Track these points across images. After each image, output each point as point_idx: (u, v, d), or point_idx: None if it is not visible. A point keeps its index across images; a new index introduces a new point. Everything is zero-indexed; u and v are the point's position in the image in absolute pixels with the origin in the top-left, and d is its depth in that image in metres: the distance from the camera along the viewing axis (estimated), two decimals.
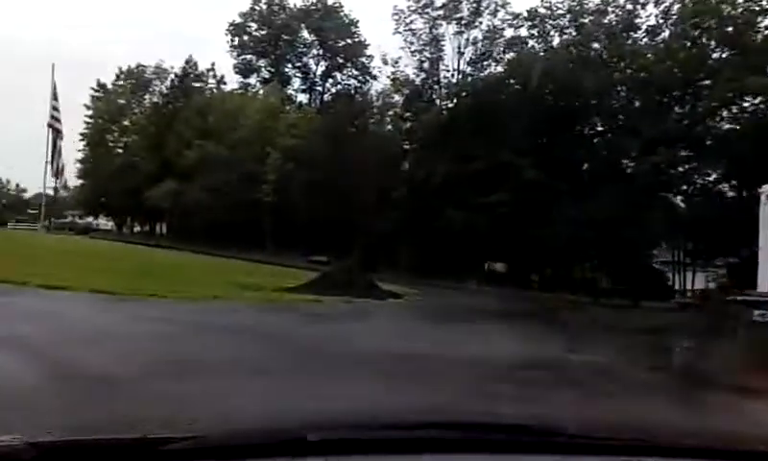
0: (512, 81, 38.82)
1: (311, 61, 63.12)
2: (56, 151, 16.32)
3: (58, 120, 15.99)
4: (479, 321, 17.14)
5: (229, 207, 46.39)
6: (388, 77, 45.08)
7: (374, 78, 56.77)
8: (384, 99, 50.34)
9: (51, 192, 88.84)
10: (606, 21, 37.04)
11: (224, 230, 48.97)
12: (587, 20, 37.32)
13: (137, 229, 64.52)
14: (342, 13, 60.72)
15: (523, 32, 40.59)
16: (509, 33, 41.36)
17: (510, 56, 40.24)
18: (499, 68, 41.46)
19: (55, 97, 16.23)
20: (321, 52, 62.49)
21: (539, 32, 39.83)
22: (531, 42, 40.24)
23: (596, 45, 36.70)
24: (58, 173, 16.39)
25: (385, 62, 43.82)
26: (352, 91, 57.35)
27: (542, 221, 33.43)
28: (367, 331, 12.99)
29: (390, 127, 49.39)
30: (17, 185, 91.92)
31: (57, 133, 16.23)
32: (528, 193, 33.90)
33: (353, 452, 1.45)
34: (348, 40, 61.50)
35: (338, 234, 41.79)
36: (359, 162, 41.23)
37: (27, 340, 8.34)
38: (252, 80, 61.74)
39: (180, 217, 52.30)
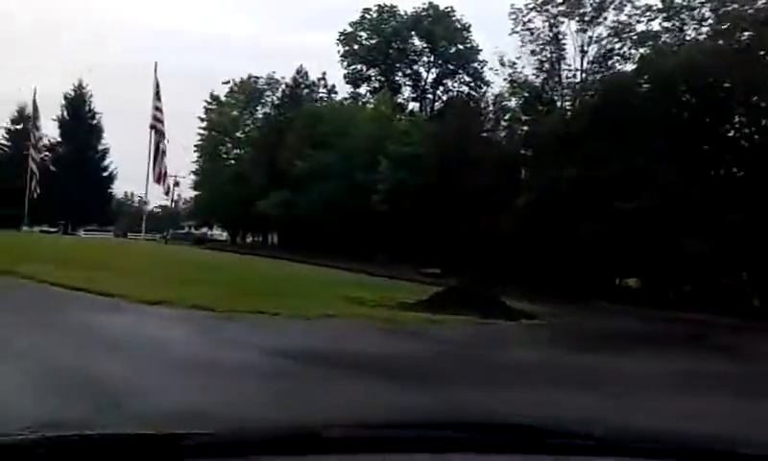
0: (644, 78, 35.29)
1: (422, 69, 61.63)
2: (158, 154, 15.21)
3: (160, 121, 14.83)
4: (650, 350, 14.38)
5: (340, 217, 45.36)
6: (504, 80, 42.44)
7: (487, 84, 54.34)
8: (499, 104, 47.91)
9: (168, 203, 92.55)
10: (753, 10, 32.95)
11: (334, 241, 48.02)
12: (730, 8, 33.33)
13: (249, 239, 64.97)
14: (453, 18, 58.73)
15: (655, 25, 37.00)
16: (638, 28, 37.91)
17: (642, 51, 36.72)
18: (629, 66, 38.01)
19: (158, 97, 15.05)
20: (431, 59, 60.82)
21: (673, 25, 36.15)
22: (664, 37, 36.58)
23: (743, 36, 32.63)
24: (161, 177, 15.30)
25: (502, 64, 41.18)
26: (465, 98, 55.06)
27: (681, 232, 29.86)
28: (533, 368, 10.27)
29: (504, 133, 46.90)
30: (140, 198, 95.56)
31: (160, 136, 15.10)
32: (664, 201, 30.35)
33: (367, 450, 1.43)
34: (460, 46, 59.49)
35: (451, 246, 39.72)
36: (474, 170, 39.00)
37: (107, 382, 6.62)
38: (363, 89, 60.93)
39: (290, 227, 51.78)
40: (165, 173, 16.25)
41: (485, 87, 54.77)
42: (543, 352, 12.39)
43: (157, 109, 15.78)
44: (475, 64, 58.51)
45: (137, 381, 6.90)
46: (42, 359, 7.61)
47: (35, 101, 23.53)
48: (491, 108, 48.49)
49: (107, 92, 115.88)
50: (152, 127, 15.85)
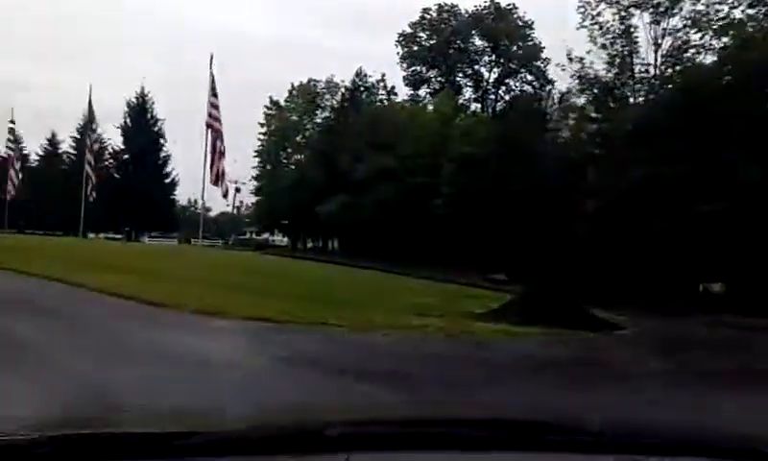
0: (727, 70, 32.89)
1: (483, 69, 60.01)
2: (216, 154, 14.19)
3: (217, 119, 13.81)
4: None
5: (401, 221, 44.17)
6: (572, 76, 40.43)
7: (551, 82, 52.28)
8: (565, 101, 45.96)
9: (229, 209, 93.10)
10: None
11: (394, 245, 46.81)
12: None
13: (310, 244, 64.42)
14: (515, 16, 56.92)
15: (737, 13, 34.49)
16: (718, 17, 35.43)
17: (725, 41, 34.27)
18: (708, 58, 35.60)
19: (213, 93, 14.04)
20: (493, 58, 59.14)
21: (758, 12, 33.60)
22: (749, 26, 34.03)
23: None
24: (218, 178, 14.28)
25: (570, 59, 39.19)
26: (529, 96, 53.17)
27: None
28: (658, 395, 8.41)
29: (569, 132, 44.94)
30: (202, 206, 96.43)
31: (216, 134, 14.08)
32: (753, 199, 28.08)
33: (371, 448, 1.43)
34: (523, 44, 57.65)
35: (517, 250, 38.02)
36: (539, 171, 37.27)
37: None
38: (422, 91, 59.65)
39: (351, 232, 50.88)
40: (223, 174, 15.24)
41: (549, 86, 52.81)
42: (668, 373, 10.42)
43: (213, 105, 14.76)
44: (538, 63, 56.69)
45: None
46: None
47: (90, 102, 23.05)
48: (555, 106, 46.66)
49: (170, 99, 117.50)
50: (208, 125, 14.86)
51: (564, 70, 41.02)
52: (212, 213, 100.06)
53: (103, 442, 1.33)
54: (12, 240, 35.44)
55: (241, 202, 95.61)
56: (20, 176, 29.09)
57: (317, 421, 1.61)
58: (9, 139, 29.56)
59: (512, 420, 1.80)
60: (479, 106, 58.86)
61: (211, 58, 14.67)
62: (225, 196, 15.71)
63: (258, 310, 12.24)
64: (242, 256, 33.72)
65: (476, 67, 59.68)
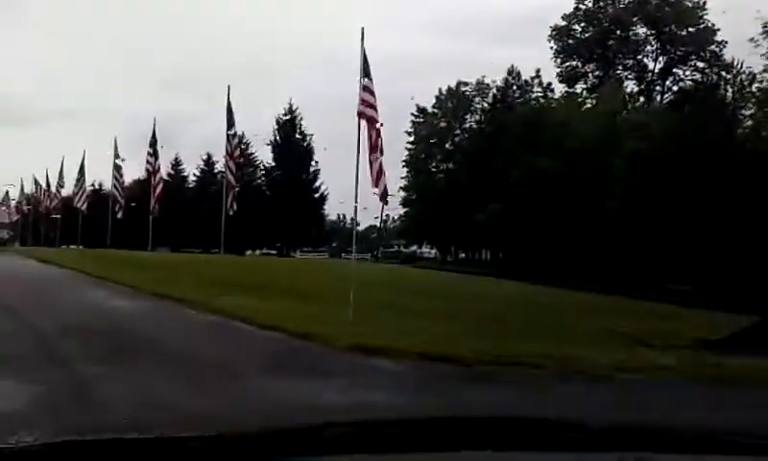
0: None
1: (646, 59, 54.32)
2: (372, 149, 11.36)
3: (371, 106, 11.01)
4: None
5: (562, 227, 39.98)
6: (762, 55, 34.54)
7: (728, 67, 45.79)
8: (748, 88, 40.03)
9: (378, 223, 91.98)
10: None
11: (555, 255, 42.59)
12: None
13: (461, 256, 61.33)
14: None
15: None
16: None
17: None
18: None
19: (366, 73, 11.15)
20: (658, 46, 53.33)
21: None
22: None
23: None
24: (378, 178, 11.59)
25: None
26: (707, 84, 46.98)
27: None
28: None
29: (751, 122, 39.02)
30: (351, 219, 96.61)
31: (371, 126, 11.23)
32: None
33: (370, 450, 1.42)
34: (692, 29, 51.46)
35: (703, 258, 32.93)
36: (727, 169, 32.03)
37: None
38: (579, 88, 54.85)
39: (506, 242, 47.20)
40: (382, 172, 12.33)
41: (727, 72, 46.35)
42: None
43: (366, 89, 11.93)
44: (712, 47, 50.37)
45: None
46: None
47: (229, 103, 21.33)
48: (743, 91, 40.59)
49: (319, 117, 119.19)
50: (360, 115, 12.04)
51: (757, 46, 35.17)
52: (360, 227, 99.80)
53: (105, 448, 1.29)
54: (167, 259, 35.09)
55: (387, 215, 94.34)
56: (157, 195, 28.47)
57: (314, 422, 1.58)
58: (148, 161, 28.87)
59: (512, 417, 1.79)
60: (643, 99, 53.27)
61: (362, 33, 11.79)
62: (383, 199, 12.75)
63: (436, 344, 9.18)
64: (398, 271, 30.90)
65: (639, 58, 54.17)
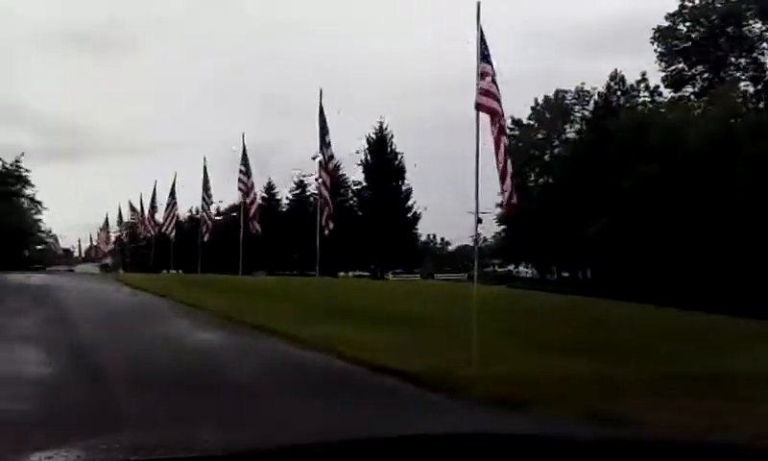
0: None
1: (763, 56, 49.55)
2: (499, 145, 9.31)
3: (492, 95, 8.78)
4: None
5: (678, 241, 36.24)
6: None
7: None
8: None
9: (470, 242, 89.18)
10: None
11: (668, 274, 38.67)
12: None
13: (562, 275, 57.71)
14: None
15: None
16: None
17: None
18: None
19: (484, 56, 8.98)
20: None
21: None
22: None
23: None
24: (503, 180, 9.54)
25: None
26: None
27: None
28: None
29: None
30: (442, 239, 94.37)
31: (493, 120, 9.08)
32: None
33: None
34: None
35: None
36: None
37: None
38: (686, 91, 50.57)
39: (615, 258, 43.54)
40: (507, 173, 10.05)
41: None
42: None
43: (485, 76, 9.64)
44: None
45: None
46: None
47: (321, 109, 19.54)
48: None
49: (409, 136, 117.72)
50: (479, 107, 9.77)
51: None
52: (451, 247, 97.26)
53: None
54: (263, 283, 33.75)
55: (478, 234, 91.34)
56: (254, 213, 27.06)
57: (308, 441, 1.59)
58: (240, 179, 27.39)
59: (508, 434, 1.79)
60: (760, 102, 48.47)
61: (478, 7, 9.57)
62: (509, 205, 10.62)
63: (606, 396, 6.73)
64: (505, 294, 27.96)
65: (754, 55, 49.48)
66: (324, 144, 19.73)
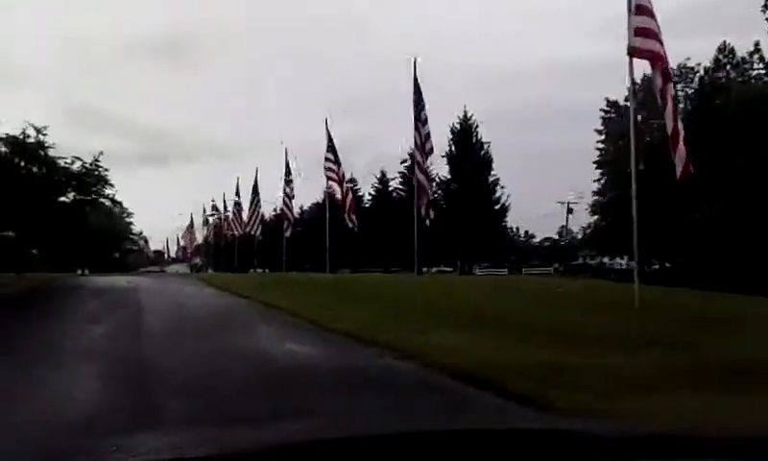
0: None
1: None
2: (663, 98, 7.10)
3: (654, 37, 6.43)
4: None
5: None
6: None
7: None
8: None
9: (554, 236, 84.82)
10: None
11: None
12: None
13: (662, 266, 53.34)
14: None
15: None
16: None
17: None
18: None
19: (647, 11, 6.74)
20: None
21: None
22: None
23: None
24: (674, 143, 7.38)
25: None
26: None
27: None
28: None
29: None
30: (526, 232, 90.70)
31: (656, 65, 6.83)
32: None
33: None
34: None
35: None
36: None
37: None
38: None
39: (721, 245, 39.38)
40: (678, 134, 7.49)
41: None
42: None
43: (642, 12, 7.08)
44: None
45: None
46: None
47: (415, 79, 17.15)
48: None
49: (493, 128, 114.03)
50: (633, 52, 7.21)
51: None
52: (535, 240, 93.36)
53: None
54: (348, 281, 31.91)
55: (562, 227, 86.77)
56: (350, 204, 24.88)
57: (308, 437, 1.55)
58: (330, 168, 25.22)
59: (527, 429, 1.73)
60: None
61: None
62: (686, 171, 7.78)
63: None
64: (619, 289, 24.64)
65: None
66: (420, 121, 17.37)
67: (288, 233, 33.03)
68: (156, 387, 7.42)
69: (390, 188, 65.44)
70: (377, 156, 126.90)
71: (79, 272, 60.41)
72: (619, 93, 48.04)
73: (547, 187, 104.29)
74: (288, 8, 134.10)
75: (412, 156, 43.89)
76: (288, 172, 32.96)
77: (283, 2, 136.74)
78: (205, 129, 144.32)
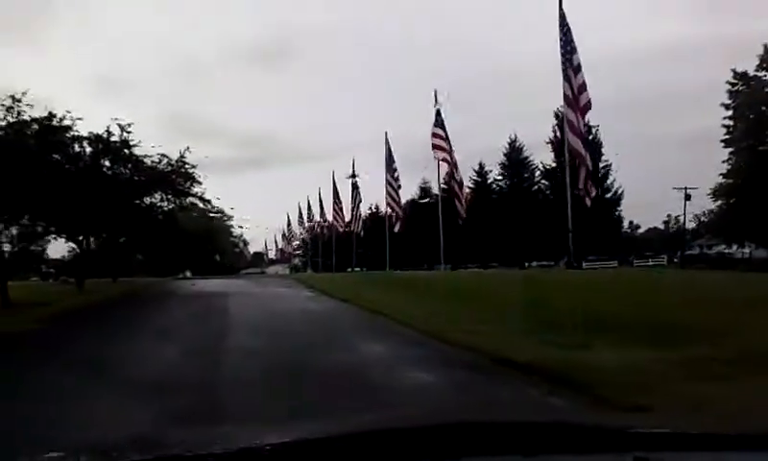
0: None
1: None
2: None
3: None
4: None
5: None
6: None
7: None
8: None
9: (670, 224, 78.13)
10: None
11: None
12: None
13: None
14: None
15: None
16: None
17: None
18: None
19: None
20: None
21: None
22: None
23: None
24: None
25: None
26: None
27: None
28: None
29: None
30: (630, 223, 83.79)
31: None
32: None
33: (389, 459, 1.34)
34: None
35: None
36: None
37: None
38: None
39: None
40: None
41: None
42: None
43: None
44: None
45: None
46: None
47: (562, 13, 13.83)
48: None
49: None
50: None
51: None
52: (640, 230, 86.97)
53: None
54: (455, 279, 28.89)
55: (668, 215, 79.95)
56: (466, 197, 21.89)
57: (322, 433, 1.50)
58: (436, 146, 22.23)
59: (530, 422, 1.68)
60: None
61: None
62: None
63: None
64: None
65: None
66: (572, 66, 14.01)
67: (398, 228, 30.23)
68: None
69: (489, 181, 61.98)
70: (471, 151, 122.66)
71: (180, 276, 60.24)
72: (748, 64, 42.46)
73: (648, 174, 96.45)
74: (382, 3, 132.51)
75: (560, 116, 38.63)
76: (390, 158, 30.14)
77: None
78: (301, 131, 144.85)
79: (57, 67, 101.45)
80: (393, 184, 30.28)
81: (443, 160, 23.13)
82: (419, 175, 69.64)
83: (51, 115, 21.58)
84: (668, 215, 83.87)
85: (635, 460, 1.33)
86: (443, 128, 22.67)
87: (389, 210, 31.55)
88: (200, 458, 1.31)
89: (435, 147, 22.69)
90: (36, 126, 21.22)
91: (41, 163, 20.78)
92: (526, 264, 54.33)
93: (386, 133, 31.38)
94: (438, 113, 22.72)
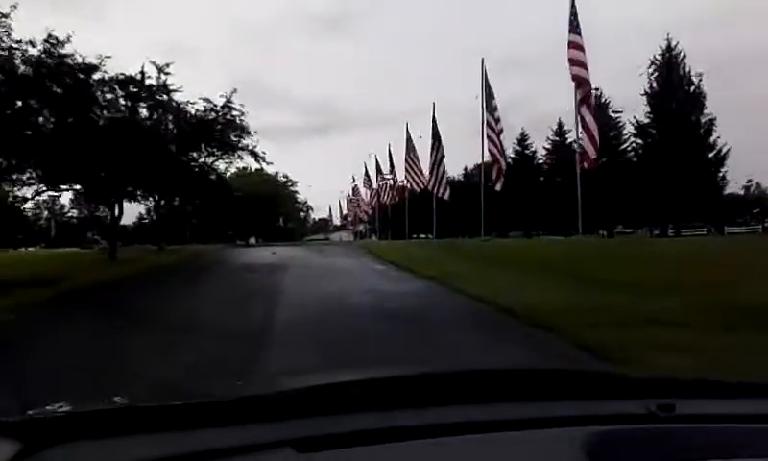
0: None
1: None
2: None
3: None
4: None
5: None
6: None
7: None
8: None
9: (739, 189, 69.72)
10: None
11: None
12: None
13: None
14: None
15: None
16: None
17: None
18: None
19: None
20: None
21: None
22: None
23: None
24: None
25: None
26: None
27: None
28: None
29: None
30: (749, 182, 74.53)
31: None
32: None
33: (397, 406, 1.26)
34: None
35: None
36: None
37: None
38: None
39: None
40: None
41: None
42: None
43: None
44: None
45: None
46: None
47: None
48: None
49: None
50: None
51: None
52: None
53: (117, 414, 1.27)
54: (536, 248, 24.45)
55: (756, 184, 71.22)
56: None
57: (338, 379, 1.44)
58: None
59: (533, 370, 1.67)
60: None
61: None
62: None
63: None
64: None
65: None
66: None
67: (499, 186, 25.69)
68: None
69: (533, 149, 58.33)
70: (545, 113, 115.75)
71: (242, 243, 57.53)
72: None
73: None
74: None
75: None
76: (490, 95, 25.20)
77: None
78: (364, 96, 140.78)
79: (120, 37, 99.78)
80: (494, 128, 24.92)
81: (575, 79, 18.33)
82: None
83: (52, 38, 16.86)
84: (757, 184, 75.43)
85: (658, 407, 1.26)
86: (580, 35, 17.72)
87: (491, 159, 26.59)
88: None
89: (572, 61, 17.72)
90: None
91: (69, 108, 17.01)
92: (600, 232, 49.06)
93: (482, 60, 26.59)
94: (573, 14, 17.62)
